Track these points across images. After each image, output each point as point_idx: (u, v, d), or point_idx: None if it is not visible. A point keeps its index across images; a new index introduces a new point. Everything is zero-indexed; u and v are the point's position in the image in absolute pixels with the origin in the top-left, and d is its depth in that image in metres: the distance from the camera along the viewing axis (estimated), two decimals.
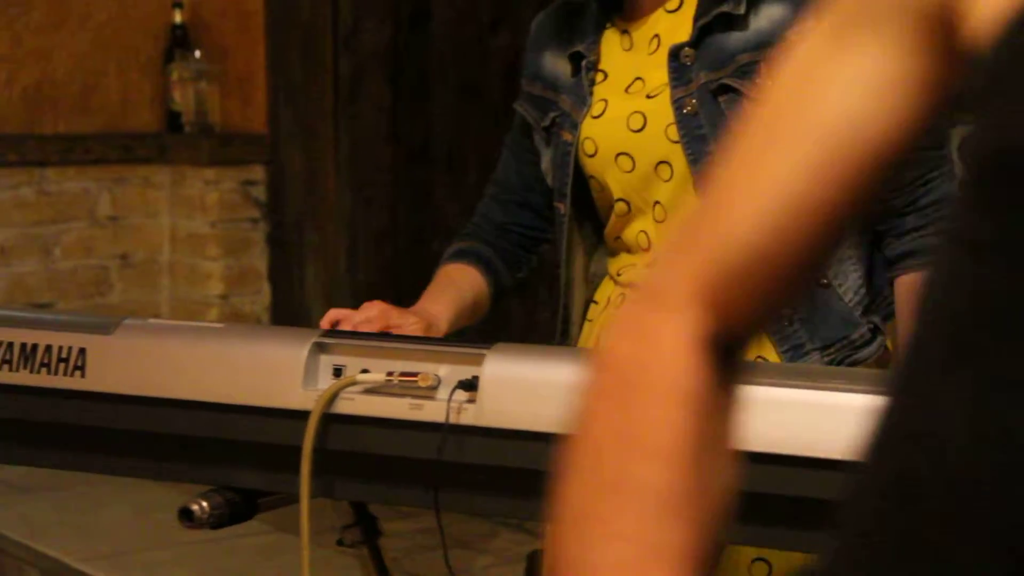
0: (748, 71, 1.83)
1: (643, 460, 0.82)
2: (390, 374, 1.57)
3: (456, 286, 2.05)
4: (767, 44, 1.83)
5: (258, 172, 4.32)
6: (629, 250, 1.96)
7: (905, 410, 0.71)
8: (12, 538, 3.43)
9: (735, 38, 1.85)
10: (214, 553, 3.24)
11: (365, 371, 1.59)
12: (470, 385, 1.54)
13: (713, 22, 1.85)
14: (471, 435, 1.53)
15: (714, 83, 1.84)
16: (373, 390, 1.57)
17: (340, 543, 1.78)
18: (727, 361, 0.86)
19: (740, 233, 0.85)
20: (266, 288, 4.25)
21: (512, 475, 1.52)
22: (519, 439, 1.51)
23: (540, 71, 2.03)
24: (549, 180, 2.02)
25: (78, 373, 1.63)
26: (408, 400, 1.56)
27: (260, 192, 4.33)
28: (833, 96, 0.83)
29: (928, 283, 0.74)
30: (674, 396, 0.83)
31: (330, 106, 3.85)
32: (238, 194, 4.33)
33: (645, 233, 1.92)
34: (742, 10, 1.84)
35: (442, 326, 1.93)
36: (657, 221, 1.91)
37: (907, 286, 1.86)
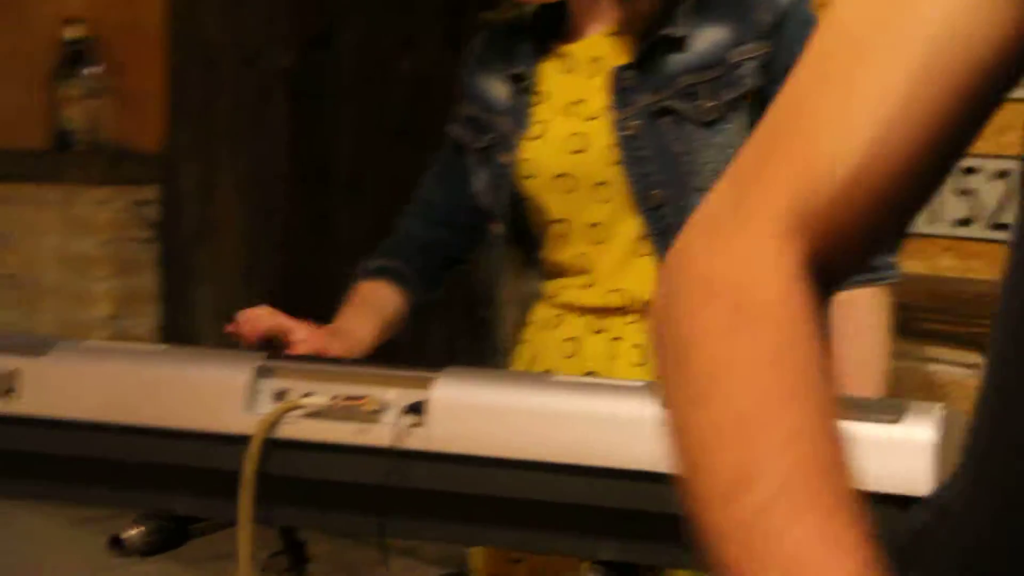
0: (690, 93, 1.84)
1: (789, 400, 0.76)
2: (334, 398, 1.55)
3: (375, 303, 2.03)
4: (708, 66, 1.84)
5: (152, 191, 4.26)
6: (565, 272, 1.96)
7: (1012, 423, 0.70)
8: None
9: (676, 60, 1.86)
10: None
11: (308, 395, 1.56)
12: (417, 409, 1.52)
13: (655, 45, 1.86)
14: (418, 460, 1.51)
15: (656, 105, 1.85)
16: (317, 414, 1.55)
17: (265, 571, 1.75)
18: (823, 296, 0.80)
19: (838, 154, 0.77)
20: (156, 309, 4.18)
21: (459, 500, 1.51)
22: (467, 464, 1.50)
23: (476, 92, 2.03)
24: (483, 202, 2.01)
25: (11, 395, 1.58)
26: (353, 424, 1.54)
27: (153, 212, 4.27)
28: (930, 5, 0.76)
29: (1013, 295, 0.72)
30: (800, 330, 0.76)
31: (231, 125, 3.80)
32: (130, 213, 4.26)
33: (584, 255, 1.93)
34: (685, 33, 1.85)
35: (365, 345, 1.91)
36: (595, 242, 1.91)
37: (838, 305, 1.87)
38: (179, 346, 1.63)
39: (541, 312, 2.01)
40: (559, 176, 1.90)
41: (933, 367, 2.51)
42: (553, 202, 1.92)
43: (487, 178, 1.99)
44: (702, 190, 1.84)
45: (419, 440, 1.51)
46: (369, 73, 3.98)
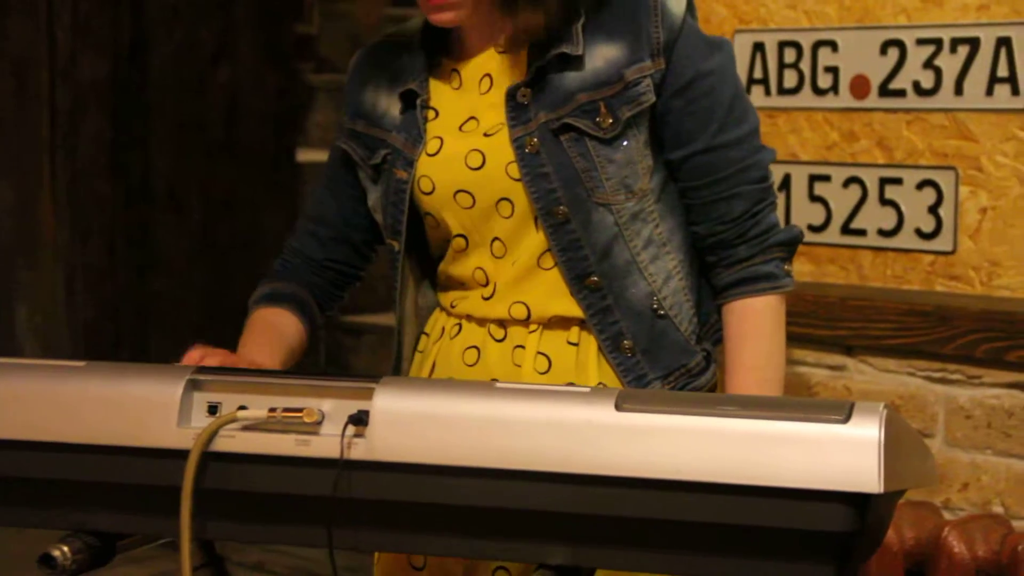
0: (588, 110, 1.86)
1: None
2: (272, 410, 1.52)
3: (277, 331, 2.00)
4: (605, 83, 1.86)
5: None
6: (464, 285, 1.96)
7: None
8: None
9: (572, 78, 1.87)
10: None
11: (243, 407, 1.53)
12: (360, 420, 1.50)
13: (549, 62, 1.87)
14: (363, 470, 1.50)
15: (555, 122, 1.86)
16: (255, 427, 1.52)
17: None
18: None
19: None
20: None
21: (406, 509, 1.50)
22: (412, 472, 1.49)
23: (362, 108, 2.01)
24: (379, 217, 2.00)
25: None
26: (294, 436, 1.51)
27: None
28: None
29: None
30: None
31: (46, 139, 3.69)
32: None
33: (482, 269, 1.93)
34: (580, 51, 1.86)
35: None
36: (495, 256, 1.92)
37: (738, 312, 1.93)
38: (102, 362, 1.58)
39: (440, 322, 2.01)
40: (459, 192, 1.90)
41: (799, 369, 2.58)
42: (452, 218, 1.92)
43: (382, 194, 1.98)
44: (607, 205, 1.87)
45: (363, 450, 1.50)
46: (186, 83, 3.91)
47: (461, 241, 1.93)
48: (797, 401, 1.49)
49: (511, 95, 1.88)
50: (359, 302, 4.56)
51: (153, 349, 3.85)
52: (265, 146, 4.10)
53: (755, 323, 1.92)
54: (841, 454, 1.40)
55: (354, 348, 4.46)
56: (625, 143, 1.87)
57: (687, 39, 1.88)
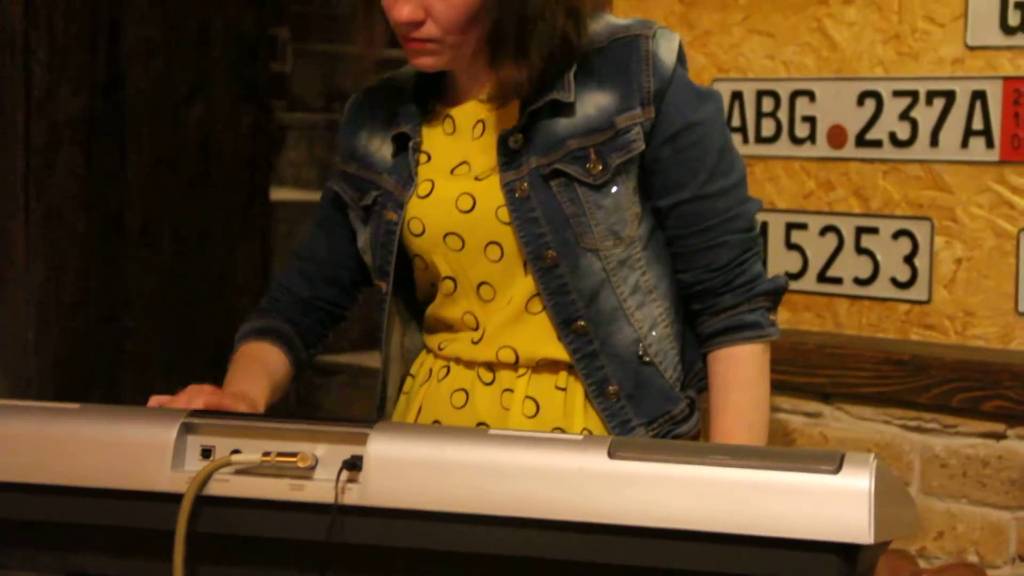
0: (579, 157, 1.88)
1: None
2: (266, 454, 1.53)
3: (264, 365, 2.01)
4: (596, 131, 1.88)
5: None
6: (452, 327, 1.97)
7: None
8: None
9: (564, 124, 1.89)
10: None
11: (236, 451, 1.54)
12: (354, 465, 1.51)
13: (542, 109, 1.89)
14: (357, 515, 1.50)
15: (546, 168, 1.88)
16: (249, 471, 1.53)
17: None
18: None
19: None
20: None
21: (400, 555, 1.51)
22: (406, 518, 1.50)
23: (356, 151, 2.03)
24: (368, 258, 2.01)
25: None
26: (288, 481, 1.52)
27: None
28: None
29: None
30: None
31: (20, 174, 3.68)
32: None
33: (472, 314, 1.94)
34: (571, 97, 1.89)
35: (260, 408, 1.89)
36: (483, 300, 1.93)
37: (723, 360, 1.95)
38: (96, 404, 1.58)
39: (427, 364, 2.02)
40: (449, 234, 1.92)
41: (777, 416, 2.60)
42: (441, 260, 1.93)
43: (372, 236, 1.99)
44: (595, 251, 1.89)
45: (357, 495, 1.51)
46: (160, 119, 3.91)
47: (450, 284, 1.94)
48: (788, 451, 1.51)
49: (503, 140, 1.90)
50: (332, 342, 4.57)
51: (125, 386, 3.83)
52: (238, 184, 4.09)
53: (740, 371, 1.94)
54: (832, 505, 1.42)
55: (325, 387, 4.46)
56: (614, 189, 1.89)
57: (677, 89, 1.91)
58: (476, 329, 1.94)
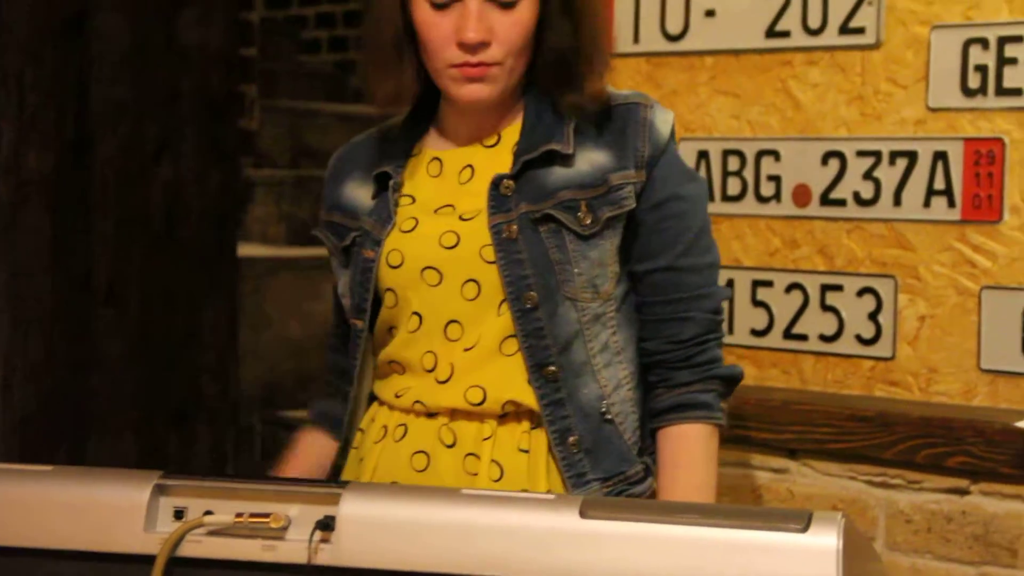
0: (570, 207, 1.91)
1: None
2: (239, 515, 1.54)
3: (312, 456, 2.12)
4: (589, 185, 1.92)
5: None
6: (406, 369, 1.97)
7: None
8: None
9: (557, 174, 1.92)
10: None
11: (209, 512, 1.55)
12: (326, 525, 1.52)
13: (537, 158, 1.92)
14: None
15: (537, 213, 1.91)
16: (221, 532, 1.53)
17: None
18: None
19: None
20: None
21: None
22: None
23: (340, 202, 2.06)
24: (346, 301, 2.03)
25: None
26: (260, 542, 1.53)
27: None
28: None
29: None
30: None
31: None
32: None
33: (432, 353, 1.95)
34: (570, 150, 1.92)
35: None
36: (448, 339, 1.94)
37: (672, 438, 1.96)
38: (68, 466, 1.59)
39: (380, 420, 2.02)
40: (427, 268, 1.94)
41: (743, 471, 2.62)
42: (414, 295, 1.95)
43: (351, 275, 2.01)
44: (574, 300, 1.91)
45: (330, 556, 1.51)
46: (128, 179, 3.92)
47: (416, 320, 1.95)
48: (756, 510, 1.53)
49: (495, 184, 1.93)
50: (296, 397, 4.57)
51: (90, 447, 3.82)
52: (206, 241, 4.10)
53: (689, 451, 1.96)
54: (801, 563, 1.44)
55: (290, 443, 4.45)
56: (600, 242, 1.92)
57: (669, 160, 1.96)
58: (433, 371, 1.94)
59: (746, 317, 2.72)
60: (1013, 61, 2.46)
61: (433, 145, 2.02)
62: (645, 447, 2.00)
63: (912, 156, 2.56)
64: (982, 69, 2.49)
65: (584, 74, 1.92)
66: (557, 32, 1.91)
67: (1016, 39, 2.46)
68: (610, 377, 1.95)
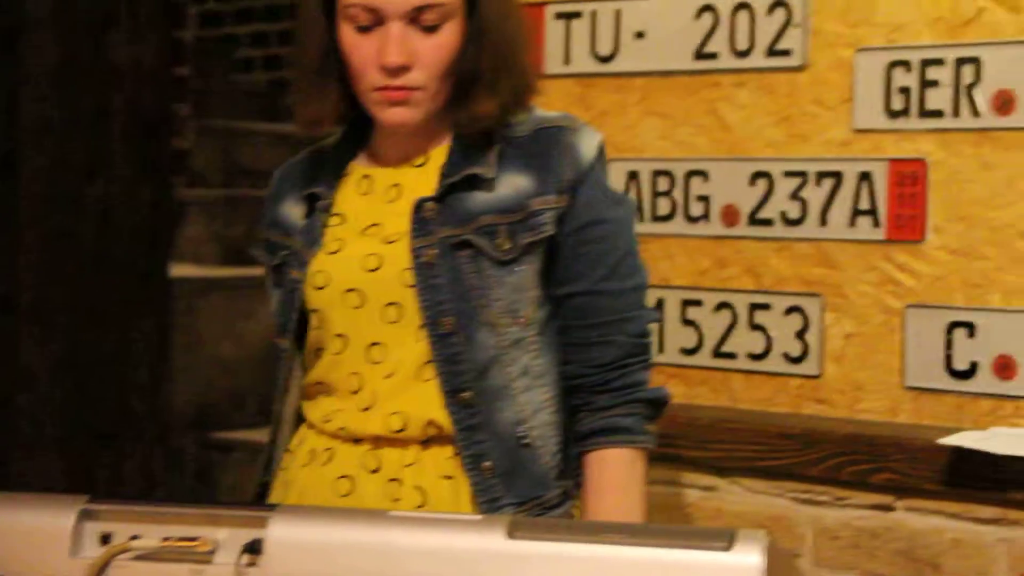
0: (489, 232, 1.92)
1: None
2: (165, 539, 1.53)
3: None
4: (510, 210, 1.93)
5: None
6: (331, 391, 1.98)
7: None
8: None
9: (479, 199, 1.93)
10: None
11: (135, 537, 1.54)
12: (254, 548, 1.52)
13: (460, 181, 1.93)
14: None
15: (456, 238, 1.92)
16: (148, 556, 1.53)
17: None
18: None
19: None
20: None
21: None
22: None
23: (278, 219, 2.07)
24: (276, 320, 2.03)
25: None
26: (187, 566, 1.52)
27: None
28: None
29: None
30: None
31: None
32: None
33: (357, 374, 1.96)
34: (492, 174, 1.93)
35: None
36: (372, 362, 1.95)
37: (595, 463, 1.97)
38: None
39: (308, 443, 2.02)
40: (350, 290, 1.94)
41: (672, 490, 2.64)
42: (338, 316, 1.95)
43: (280, 295, 2.02)
44: (491, 325, 1.92)
45: None
46: (58, 197, 3.90)
47: (340, 343, 1.96)
48: (681, 529, 1.54)
49: (418, 207, 1.94)
50: (230, 418, 4.55)
51: (14, 468, 3.79)
52: (136, 260, 4.08)
53: (611, 475, 1.96)
54: None
55: (222, 464, 4.44)
56: (518, 268, 1.93)
57: (592, 184, 1.96)
58: (358, 393, 1.95)
59: (676, 336, 2.74)
60: (935, 83, 2.50)
61: (365, 163, 2.03)
62: (567, 471, 2.00)
63: (838, 176, 2.59)
64: (905, 91, 2.52)
65: (476, 94, 1.92)
66: (464, 55, 1.92)
67: (937, 62, 2.50)
68: (529, 401, 1.96)
